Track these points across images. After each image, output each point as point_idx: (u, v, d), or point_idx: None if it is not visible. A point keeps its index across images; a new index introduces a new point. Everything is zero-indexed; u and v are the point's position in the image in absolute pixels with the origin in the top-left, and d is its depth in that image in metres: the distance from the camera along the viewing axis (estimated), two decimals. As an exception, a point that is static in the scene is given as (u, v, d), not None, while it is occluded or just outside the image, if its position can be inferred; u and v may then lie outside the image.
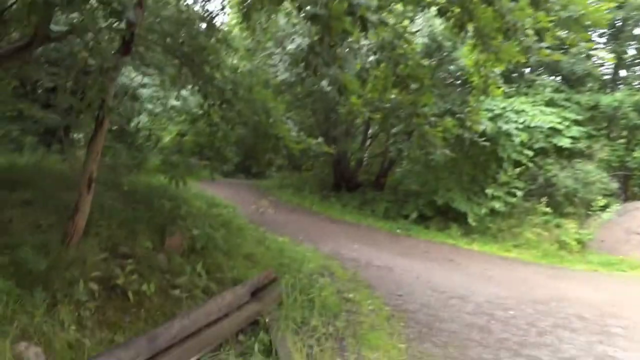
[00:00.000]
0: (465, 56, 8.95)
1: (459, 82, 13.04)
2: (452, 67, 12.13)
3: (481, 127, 10.66)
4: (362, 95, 7.39)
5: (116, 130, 19.43)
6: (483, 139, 11.96)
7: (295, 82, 12.63)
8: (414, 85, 6.40)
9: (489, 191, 12.66)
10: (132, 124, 19.13)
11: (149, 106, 16.78)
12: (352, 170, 16.36)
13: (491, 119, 12.39)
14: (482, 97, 7.85)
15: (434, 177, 13.66)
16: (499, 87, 8.25)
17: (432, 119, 6.44)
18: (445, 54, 12.07)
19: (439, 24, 11.15)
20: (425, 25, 11.59)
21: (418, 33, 11.41)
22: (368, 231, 11.81)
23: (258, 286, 5.79)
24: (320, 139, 7.75)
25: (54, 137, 9.64)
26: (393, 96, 7.24)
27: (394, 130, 12.83)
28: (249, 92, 7.12)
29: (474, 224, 12.28)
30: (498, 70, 7.43)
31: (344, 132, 15.89)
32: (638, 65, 15.10)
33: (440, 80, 12.59)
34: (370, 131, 16.13)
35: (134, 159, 9.91)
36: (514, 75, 14.21)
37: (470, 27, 5.66)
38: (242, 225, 8.53)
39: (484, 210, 12.45)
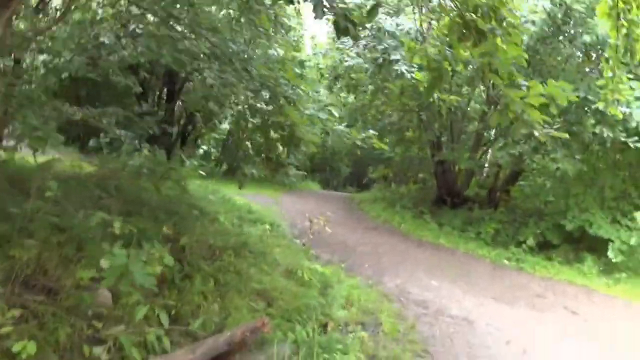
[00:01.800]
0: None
1: (597, 61, 9.62)
2: (586, 38, 8.76)
3: (620, 110, 7.19)
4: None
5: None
6: (636, 138, 8.54)
7: (373, 73, 10.38)
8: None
9: (641, 213, 9.02)
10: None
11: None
12: (461, 183, 13.49)
13: (648, 111, 8.81)
14: (625, 62, 4.88)
15: (564, 193, 10.35)
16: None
17: (523, 82, 3.91)
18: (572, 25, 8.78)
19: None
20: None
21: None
22: (463, 260, 9.02)
23: (227, 347, 3.87)
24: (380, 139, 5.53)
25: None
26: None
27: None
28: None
29: (617, 258, 8.68)
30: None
31: (449, 136, 13.18)
32: None
33: (571, 60, 9.38)
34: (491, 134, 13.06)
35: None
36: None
37: None
38: (272, 248, 6.54)
39: (634, 240, 8.79)
